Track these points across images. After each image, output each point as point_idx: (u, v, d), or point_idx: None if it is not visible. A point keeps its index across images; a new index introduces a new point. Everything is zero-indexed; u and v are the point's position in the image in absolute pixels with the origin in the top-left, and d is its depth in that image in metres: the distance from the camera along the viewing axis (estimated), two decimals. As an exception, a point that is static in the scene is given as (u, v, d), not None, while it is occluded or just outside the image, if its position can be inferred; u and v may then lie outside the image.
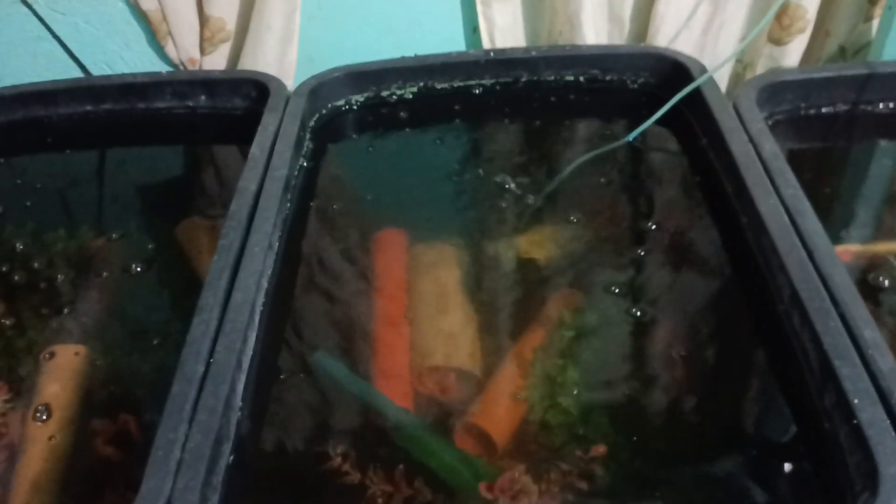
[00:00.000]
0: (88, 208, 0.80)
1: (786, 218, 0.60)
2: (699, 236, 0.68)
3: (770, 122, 0.75)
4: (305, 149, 0.79)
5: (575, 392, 0.57)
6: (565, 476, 0.51)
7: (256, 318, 0.59)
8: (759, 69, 0.88)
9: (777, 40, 0.85)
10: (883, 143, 0.77)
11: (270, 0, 0.84)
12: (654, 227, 0.70)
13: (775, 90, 0.76)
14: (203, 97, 0.86)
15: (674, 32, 0.86)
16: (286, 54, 0.89)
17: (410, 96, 0.85)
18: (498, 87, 0.85)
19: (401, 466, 0.52)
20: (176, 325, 0.63)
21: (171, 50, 0.91)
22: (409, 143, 0.84)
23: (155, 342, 0.63)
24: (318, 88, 0.82)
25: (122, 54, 0.94)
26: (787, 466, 0.50)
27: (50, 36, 0.91)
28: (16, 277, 0.70)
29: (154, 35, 0.90)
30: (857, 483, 0.46)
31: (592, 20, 0.85)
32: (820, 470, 0.50)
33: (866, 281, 0.62)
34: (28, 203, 0.79)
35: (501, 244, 0.70)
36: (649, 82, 0.84)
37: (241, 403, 0.54)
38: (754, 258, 0.62)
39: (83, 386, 0.60)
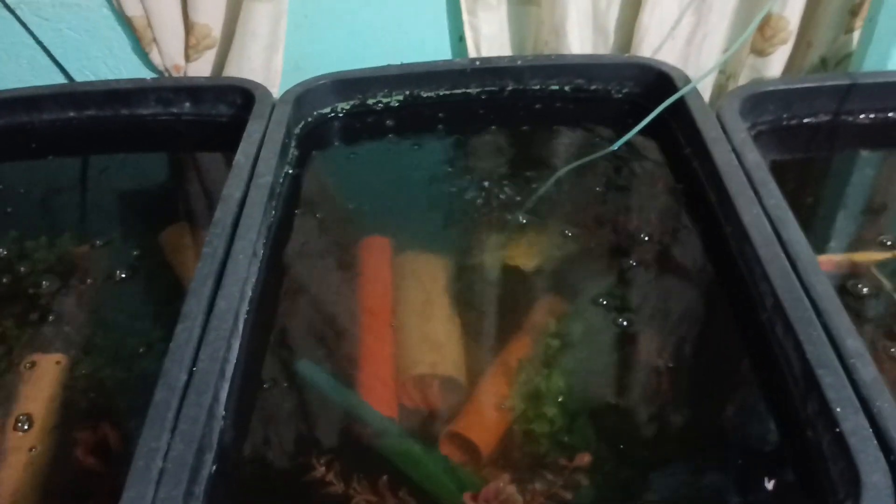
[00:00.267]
0: (71, 215, 0.79)
1: (768, 227, 0.60)
2: (683, 245, 0.69)
3: (753, 132, 0.75)
4: (291, 156, 0.79)
5: (560, 400, 0.57)
6: (550, 486, 0.51)
7: (240, 326, 0.59)
8: (742, 80, 0.89)
9: (760, 51, 0.86)
10: (864, 153, 0.78)
11: (256, 7, 0.84)
12: (637, 235, 0.70)
13: (758, 100, 0.76)
14: (188, 104, 0.86)
15: (658, 43, 0.87)
16: (272, 61, 0.89)
17: (396, 104, 0.85)
18: (484, 96, 0.86)
19: (385, 476, 0.52)
20: (159, 333, 0.62)
21: (155, 56, 0.91)
22: (394, 151, 0.84)
23: (138, 350, 0.63)
24: (304, 96, 0.82)
25: (106, 60, 0.93)
26: (771, 475, 0.51)
27: (33, 42, 0.91)
28: (-4, 285, 0.70)
29: (139, 41, 0.90)
30: (840, 491, 0.46)
31: (577, 30, 0.86)
32: (803, 478, 0.50)
33: (848, 290, 0.62)
34: (10, 209, 0.79)
35: (486, 252, 0.70)
36: (634, 92, 0.84)
37: (224, 412, 0.54)
38: (737, 267, 0.62)
39: (64, 395, 0.60)
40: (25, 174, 0.85)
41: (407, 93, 0.85)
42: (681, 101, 0.76)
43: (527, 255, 0.69)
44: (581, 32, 0.87)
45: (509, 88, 0.86)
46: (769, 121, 0.78)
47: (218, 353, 0.54)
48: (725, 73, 0.91)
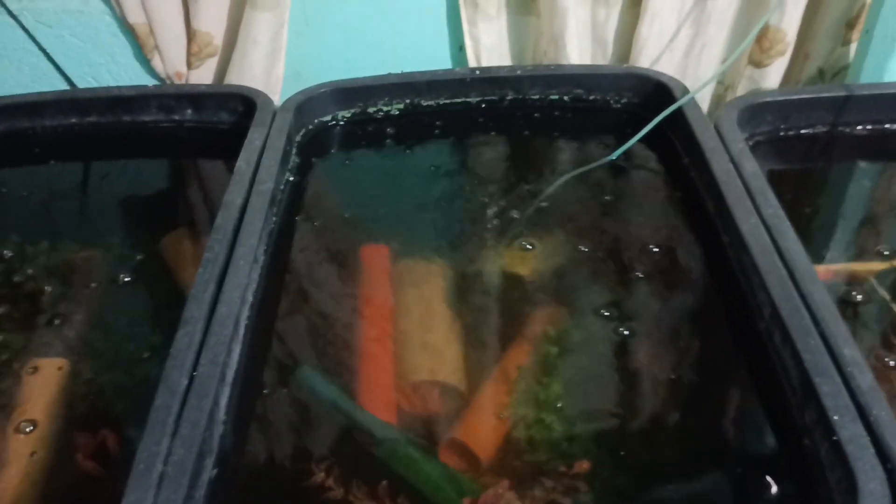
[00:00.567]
0: (73, 221, 0.80)
1: (766, 237, 0.61)
2: (681, 254, 0.69)
3: (750, 143, 0.76)
4: (291, 163, 0.79)
5: (559, 406, 0.57)
6: (549, 492, 0.51)
7: (241, 332, 0.59)
8: (740, 91, 0.90)
9: (757, 63, 0.87)
10: (861, 164, 0.79)
11: (258, 16, 0.85)
12: (635, 244, 0.70)
13: (756, 111, 0.77)
14: (189, 111, 0.86)
15: (656, 54, 0.88)
16: (273, 69, 0.89)
17: (397, 113, 0.86)
18: (483, 105, 0.86)
19: (384, 482, 0.52)
20: (160, 339, 0.62)
21: (157, 63, 0.91)
22: (394, 160, 0.84)
23: (139, 355, 0.63)
24: (305, 104, 0.83)
25: (108, 67, 0.94)
26: (769, 482, 0.51)
27: (36, 48, 0.91)
28: (-2, 290, 0.70)
29: (141, 48, 0.90)
30: (838, 499, 0.46)
31: (577, 41, 0.87)
32: (801, 486, 0.50)
33: (846, 299, 0.63)
34: (12, 215, 0.79)
35: (485, 260, 0.70)
36: (632, 102, 0.85)
37: (224, 417, 0.54)
38: (735, 276, 0.63)
39: (65, 400, 0.60)
40: (27, 179, 0.85)
41: (407, 101, 0.85)
42: (679, 111, 0.76)
43: (525, 263, 0.69)
44: (580, 43, 0.88)
45: (509, 98, 0.86)
46: (767, 131, 0.79)
47: (218, 358, 0.54)
48: (724, 83, 0.92)
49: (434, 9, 0.90)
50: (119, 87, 0.89)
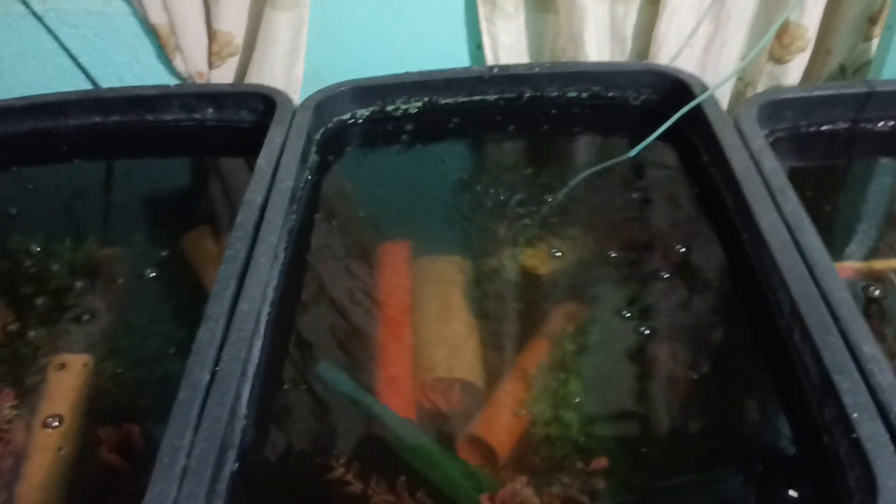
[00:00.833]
0: (97, 218, 0.81)
1: (786, 234, 0.61)
2: (700, 252, 0.69)
3: (771, 140, 0.76)
4: (311, 162, 0.80)
5: (577, 402, 0.57)
6: (566, 489, 0.51)
7: (262, 328, 0.59)
8: (761, 87, 0.89)
9: (778, 59, 0.87)
10: (882, 160, 0.78)
11: (278, 15, 0.86)
12: (654, 242, 0.70)
13: (776, 108, 0.76)
14: (211, 110, 0.87)
15: (675, 51, 0.87)
16: (293, 68, 0.90)
17: (415, 111, 0.86)
18: (502, 103, 0.86)
19: (403, 477, 0.52)
20: (183, 334, 0.63)
21: (179, 63, 0.92)
22: (413, 157, 0.84)
23: (162, 351, 0.64)
24: (324, 102, 0.83)
25: (131, 67, 0.95)
26: (788, 480, 0.51)
27: (60, 48, 0.92)
28: (24, 286, 0.71)
29: (163, 48, 0.91)
30: (857, 497, 0.46)
31: (595, 38, 0.86)
32: (820, 484, 0.50)
33: (866, 297, 0.62)
34: (37, 213, 0.80)
35: (504, 257, 0.70)
36: (651, 99, 0.84)
37: (245, 412, 0.55)
38: (755, 274, 0.62)
39: (91, 395, 0.61)
40: (53, 178, 0.87)
41: (426, 99, 0.86)
42: (698, 108, 0.76)
43: (544, 261, 0.70)
44: (599, 40, 0.88)
45: (527, 95, 0.86)
46: (787, 128, 0.78)
47: (240, 354, 0.55)
48: (744, 80, 0.91)
49: (452, 7, 0.90)
50: (141, 87, 0.90)
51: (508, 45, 0.90)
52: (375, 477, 0.52)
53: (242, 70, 0.93)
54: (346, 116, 0.86)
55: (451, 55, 0.94)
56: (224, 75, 0.93)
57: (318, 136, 0.83)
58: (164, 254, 0.73)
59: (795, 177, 0.70)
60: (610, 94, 0.85)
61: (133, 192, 0.83)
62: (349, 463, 0.53)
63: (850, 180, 0.79)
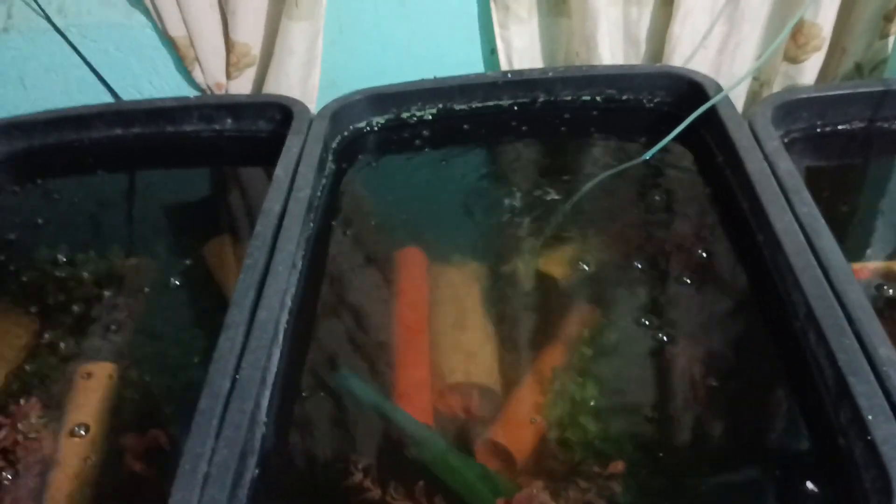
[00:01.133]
0: (119, 229, 0.82)
1: (801, 236, 0.60)
2: (715, 254, 0.69)
3: (786, 140, 0.75)
4: (328, 170, 0.81)
5: (593, 405, 0.57)
6: (583, 493, 0.52)
7: (280, 336, 0.60)
8: (776, 87, 0.88)
9: (793, 58, 0.86)
10: (899, 160, 0.77)
11: (293, 25, 0.87)
12: (669, 244, 0.70)
13: (791, 108, 0.76)
14: (229, 120, 0.89)
15: (690, 52, 0.87)
16: (309, 78, 0.91)
17: (430, 118, 0.87)
18: (516, 108, 0.87)
19: (421, 482, 0.53)
20: (205, 343, 0.64)
21: (198, 75, 0.93)
22: (428, 164, 0.85)
23: (186, 359, 0.65)
24: (340, 111, 0.84)
25: (150, 79, 0.96)
26: (803, 482, 0.51)
27: (82, 62, 0.94)
28: (50, 296, 0.72)
29: (181, 60, 0.93)
30: (873, 498, 0.46)
31: (608, 41, 0.87)
32: (835, 486, 0.50)
33: (882, 298, 0.62)
34: (63, 224, 0.82)
35: (520, 262, 0.70)
36: (665, 101, 0.84)
37: (265, 419, 0.56)
38: (770, 275, 0.62)
39: (116, 404, 0.62)
40: (77, 189, 0.88)
41: (440, 106, 0.86)
42: (713, 109, 0.76)
43: (560, 265, 0.70)
44: (612, 43, 0.88)
45: (541, 100, 0.86)
46: (802, 128, 0.78)
47: (259, 362, 0.56)
48: (759, 80, 0.91)
49: (465, 13, 0.91)
50: (161, 99, 0.92)
51: (522, 50, 0.91)
52: (394, 482, 0.53)
53: (260, 80, 0.94)
54: (362, 124, 0.86)
55: (465, 61, 0.94)
56: (242, 86, 0.94)
57: (334, 145, 0.84)
58: (187, 262, 0.75)
59: (812, 177, 0.70)
60: (624, 97, 0.85)
61: (155, 203, 0.85)
62: (368, 469, 0.54)
63: (866, 180, 0.78)
